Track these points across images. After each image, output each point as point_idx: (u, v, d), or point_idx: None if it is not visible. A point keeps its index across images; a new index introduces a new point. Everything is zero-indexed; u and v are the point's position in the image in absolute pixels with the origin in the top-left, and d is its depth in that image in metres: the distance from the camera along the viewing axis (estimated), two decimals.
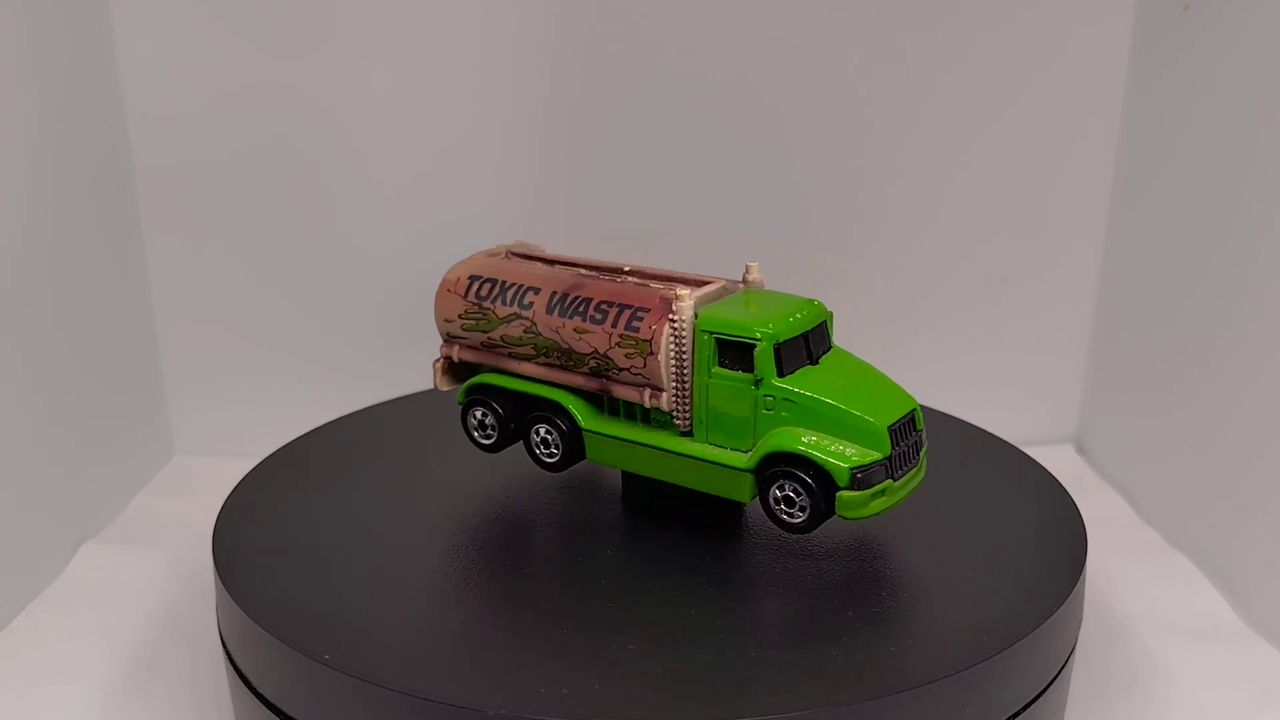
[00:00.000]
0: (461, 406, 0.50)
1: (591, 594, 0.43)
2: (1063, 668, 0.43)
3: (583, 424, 0.47)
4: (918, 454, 0.44)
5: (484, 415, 0.49)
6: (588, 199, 0.70)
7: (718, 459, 0.44)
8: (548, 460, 0.48)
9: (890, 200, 0.71)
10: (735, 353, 0.43)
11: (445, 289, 0.49)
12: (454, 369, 0.51)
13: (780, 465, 0.42)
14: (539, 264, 0.49)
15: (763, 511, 0.44)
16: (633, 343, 0.44)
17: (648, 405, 0.45)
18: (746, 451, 0.43)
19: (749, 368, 0.43)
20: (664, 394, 0.44)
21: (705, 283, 0.46)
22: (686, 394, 0.44)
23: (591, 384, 0.46)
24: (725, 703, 0.36)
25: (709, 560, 0.45)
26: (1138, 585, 0.58)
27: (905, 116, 0.69)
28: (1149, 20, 0.66)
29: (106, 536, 0.63)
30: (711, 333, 0.43)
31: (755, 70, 0.68)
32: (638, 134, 0.69)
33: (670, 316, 0.43)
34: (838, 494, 0.42)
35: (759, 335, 0.42)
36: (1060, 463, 0.69)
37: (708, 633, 0.40)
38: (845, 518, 0.42)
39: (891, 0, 0.67)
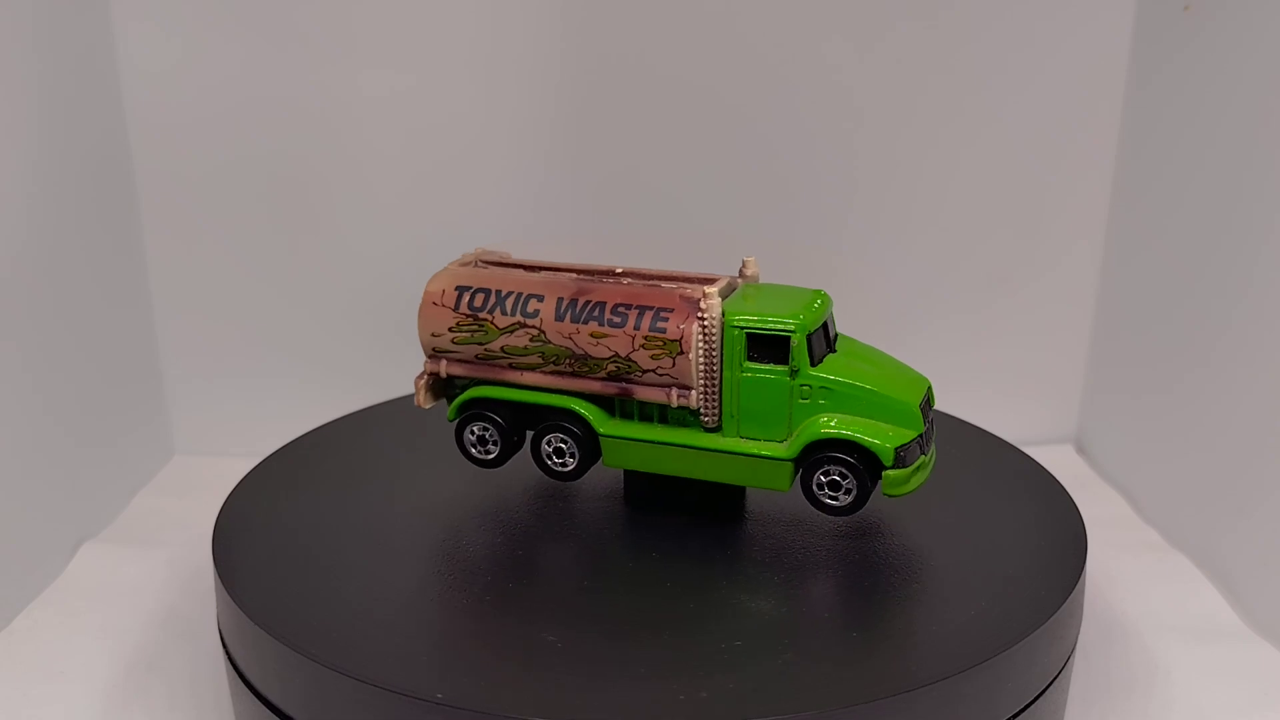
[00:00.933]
0: (456, 424, 0.49)
1: (664, 596, 0.42)
2: (1063, 668, 0.43)
3: (599, 429, 0.46)
4: (933, 429, 0.46)
5: (484, 430, 0.48)
6: (588, 200, 0.70)
7: (755, 451, 0.44)
8: (562, 470, 0.48)
9: (889, 200, 0.71)
10: (767, 346, 0.43)
11: (431, 302, 0.47)
12: (437, 385, 0.49)
13: (824, 451, 0.43)
14: (522, 270, 0.48)
15: (804, 498, 0.45)
16: (660, 343, 0.43)
17: (674, 405, 0.44)
18: (783, 441, 0.44)
19: (783, 360, 0.43)
20: (692, 392, 0.44)
21: (709, 279, 0.46)
22: (715, 390, 0.44)
23: (609, 388, 0.45)
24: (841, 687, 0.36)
25: (757, 551, 0.45)
26: (1138, 585, 0.58)
27: (904, 116, 0.69)
28: (1149, 20, 0.66)
29: (106, 536, 0.63)
30: (742, 328, 0.43)
31: (755, 72, 0.68)
32: (638, 135, 0.69)
33: (699, 315, 0.43)
34: (884, 473, 0.43)
35: (793, 327, 0.43)
36: (1060, 463, 0.69)
37: (786, 623, 0.41)
38: (890, 495, 0.43)
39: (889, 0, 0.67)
